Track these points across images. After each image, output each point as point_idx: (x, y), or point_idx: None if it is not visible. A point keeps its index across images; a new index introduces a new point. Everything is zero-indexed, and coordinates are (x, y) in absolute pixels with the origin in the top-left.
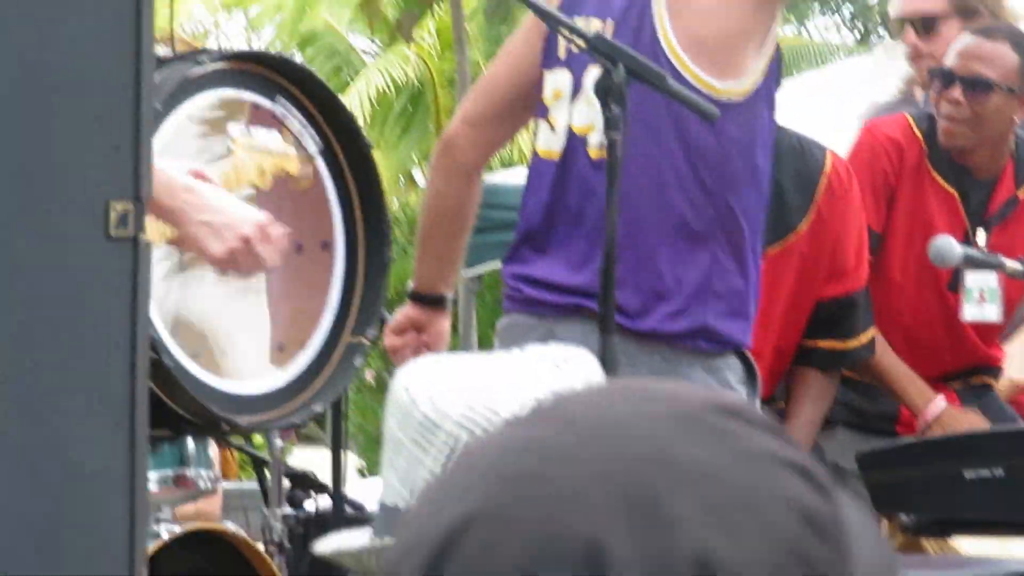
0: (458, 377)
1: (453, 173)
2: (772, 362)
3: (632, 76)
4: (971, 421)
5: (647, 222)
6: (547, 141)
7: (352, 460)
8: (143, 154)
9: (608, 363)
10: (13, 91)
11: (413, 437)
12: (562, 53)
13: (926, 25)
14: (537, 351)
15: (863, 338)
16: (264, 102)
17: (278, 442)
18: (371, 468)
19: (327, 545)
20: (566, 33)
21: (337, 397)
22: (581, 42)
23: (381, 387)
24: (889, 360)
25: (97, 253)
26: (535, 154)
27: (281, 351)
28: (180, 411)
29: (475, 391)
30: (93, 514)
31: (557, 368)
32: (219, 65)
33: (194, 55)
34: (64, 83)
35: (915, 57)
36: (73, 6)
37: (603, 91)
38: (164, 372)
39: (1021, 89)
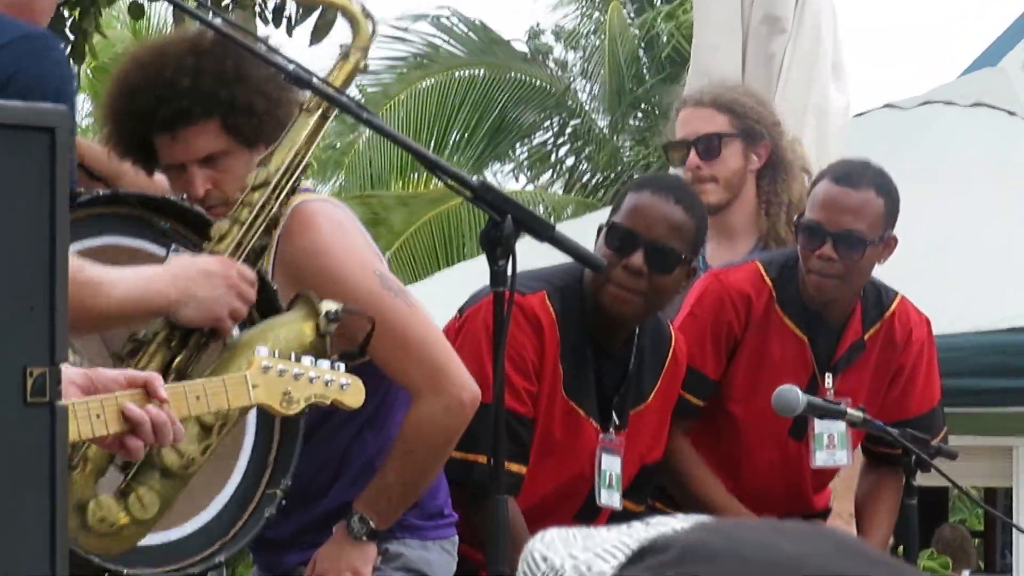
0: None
1: None
2: None
3: (520, 227)
4: None
5: None
6: None
7: None
8: (59, 317)
9: None
10: None
11: None
12: None
13: (708, 147)
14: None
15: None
16: (159, 252)
17: None
18: None
19: None
20: (451, 182)
21: (241, 548)
22: (467, 191)
23: None
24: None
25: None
26: None
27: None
28: None
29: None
30: None
31: None
32: (99, 209)
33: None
34: None
35: (697, 181)
36: None
37: (490, 243)
38: None
39: (886, 235)
